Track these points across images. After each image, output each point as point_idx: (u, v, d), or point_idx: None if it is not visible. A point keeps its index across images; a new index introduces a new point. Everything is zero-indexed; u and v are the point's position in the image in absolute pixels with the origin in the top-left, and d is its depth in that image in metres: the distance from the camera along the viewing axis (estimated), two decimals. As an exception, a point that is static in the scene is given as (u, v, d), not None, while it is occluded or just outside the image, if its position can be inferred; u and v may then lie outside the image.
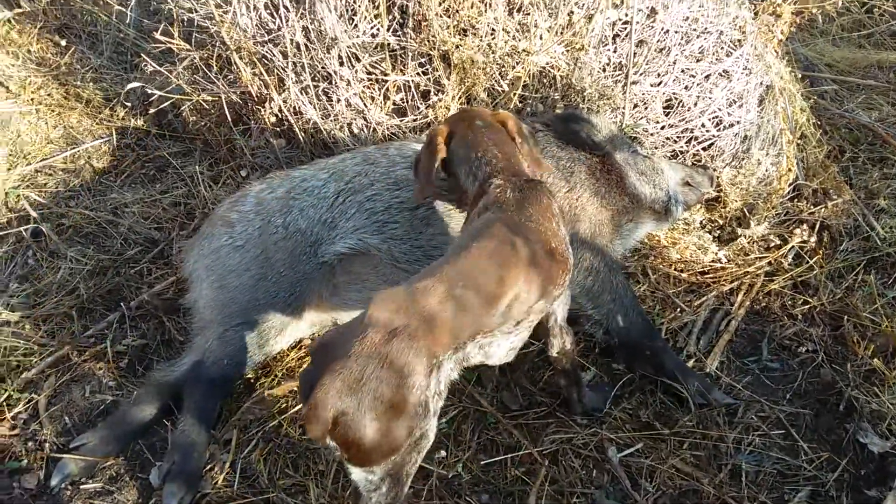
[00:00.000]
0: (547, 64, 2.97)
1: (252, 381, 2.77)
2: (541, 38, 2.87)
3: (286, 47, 3.11)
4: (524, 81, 2.97)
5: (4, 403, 2.67)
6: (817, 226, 3.34)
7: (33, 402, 2.70)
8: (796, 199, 3.48)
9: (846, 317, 2.98)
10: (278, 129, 3.38)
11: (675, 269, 3.21)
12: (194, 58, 3.27)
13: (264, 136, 3.42)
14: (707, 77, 3.21)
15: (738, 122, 3.28)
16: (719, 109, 3.25)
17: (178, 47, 3.24)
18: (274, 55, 3.16)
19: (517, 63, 2.99)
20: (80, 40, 4.54)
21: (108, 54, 4.41)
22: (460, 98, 3.07)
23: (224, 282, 2.68)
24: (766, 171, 3.34)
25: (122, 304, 3.05)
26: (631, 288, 2.88)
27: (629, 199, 2.96)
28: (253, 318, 2.63)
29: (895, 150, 4.03)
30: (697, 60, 3.19)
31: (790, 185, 3.45)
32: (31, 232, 3.36)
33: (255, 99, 3.31)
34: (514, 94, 2.98)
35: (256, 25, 3.17)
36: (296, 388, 2.67)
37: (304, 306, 2.70)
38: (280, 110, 3.26)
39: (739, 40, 3.25)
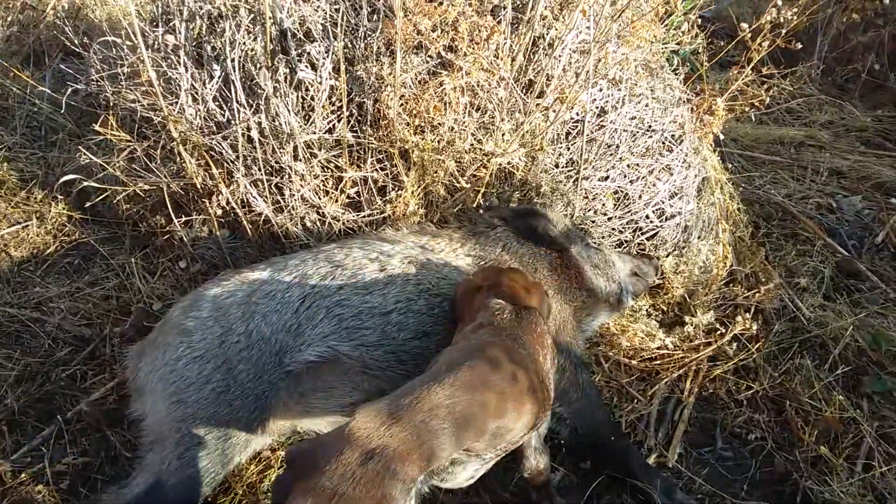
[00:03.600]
0: (507, 163, 3.00)
1: (209, 500, 2.61)
2: (503, 138, 2.90)
3: (236, 140, 3.01)
4: (486, 181, 2.98)
5: (-66, 542, 2.41)
6: (752, 310, 3.51)
7: (-34, 538, 2.45)
8: (731, 284, 3.65)
9: (787, 401, 3.11)
10: (223, 220, 3.26)
11: (625, 357, 3.28)
12: (135, 149, 3.11)
13: (207, 226, 3.28)
14: (651, 171, 3.33)
15: (679, 213, 3.42)
16: (662, 202, 3.37)
17: (118, 139, 3.08)
18: (223, 148, 3.05)
19: (475, 160, 3.01)
20: (-12, 115, 4.26)
21: (21, 131, 4.15)
22: (419, 195, 3.05)
23: (182, 396, 2.51)
24: (706, 258, 3.49)
25: (57, 416, 2.82)
26: (596, 385, 2.92)
27: (587, 293, 3.02)
28: (215, 434, 2.48)
29: (806, 227, 4.30)
30: (642, 156, 3.31)
31: (726, 270, 3.61)
32: (-53, 334, 3.08)
33: (200, 191, 3.17)
34: (479, 192, 2.99)
35: (204, 118, 3.05)
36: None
37: (269, 418, 2.57)
38: (227, 202, 3.13)
39: (679, 136, 3.40)
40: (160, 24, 3.11)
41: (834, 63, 6.13)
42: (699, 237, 3.50)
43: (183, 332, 2.61)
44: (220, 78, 3.01)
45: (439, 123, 2.96)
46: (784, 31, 3.32)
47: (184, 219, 3.28)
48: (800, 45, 3.45)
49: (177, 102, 3.01)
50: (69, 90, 3.29)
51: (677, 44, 3.75)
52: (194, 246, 3.33)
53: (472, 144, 2.96)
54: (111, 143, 3.21)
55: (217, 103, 3.06)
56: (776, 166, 5.06)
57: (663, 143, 3.35)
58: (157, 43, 3.03)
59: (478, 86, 2.89)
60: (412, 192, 3.03)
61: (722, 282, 3.62)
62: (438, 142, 2.96)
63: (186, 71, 3.00)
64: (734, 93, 3.51)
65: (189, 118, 3.02)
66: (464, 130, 2.95)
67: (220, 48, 3.00)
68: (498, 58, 2.87)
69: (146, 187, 3.25)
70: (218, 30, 3.07)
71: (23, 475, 2.64)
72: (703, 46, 3.87)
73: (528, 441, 2.29)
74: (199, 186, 3.16)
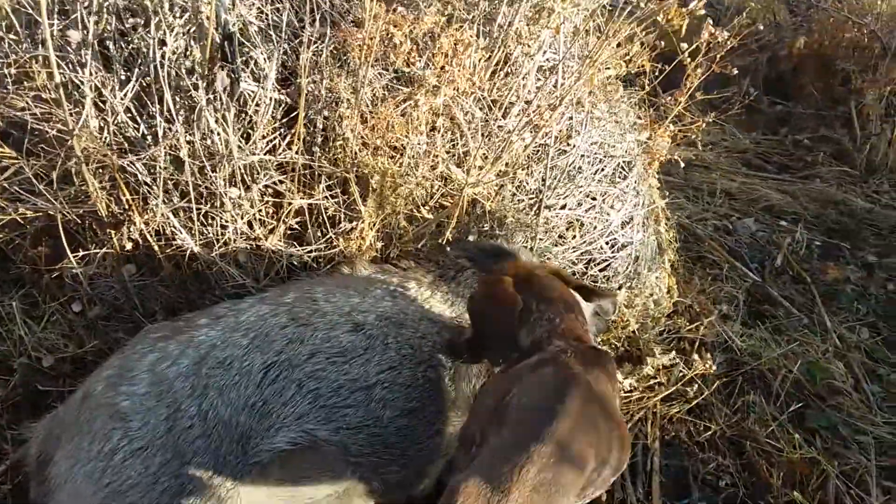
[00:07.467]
0: (477, 194, 2.69)
1: None
2: (478, 167, 2.59)
3: (154, 160, 2.48)
4: (455, 213, 2.65)
5: None
6: (697, 343, 3.42)
7: None
8: (673, 316, 3.54)
9: (747, 441, 3.03)
10: (130, 254, 2.70)
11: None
12: (23, 168, 2.48)
13: (108, 261, 2.71)
14: (605, 199, 3.15)
15: (630, 243, 3.26)
16: (615, 231, 3.20)
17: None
18: (136, 169, 2.51)
19: (440, 188, 2.68)
20: None
21: None
22: (377, 227, 2.67)
23: (122, 502, 1.97)
24: (657, 290, 3.35)
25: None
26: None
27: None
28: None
29: (711, 250, 4.33)
30: (599, 183, 3.12)
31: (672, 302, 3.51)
32: None
33: (102, 220, 2.60)
34: (449, 224, 2.64)
35: (113, 133, 2.50)
36: None
37: (232, 519, 2.07)
38: (141, 234, 2.59)
39: (630, 163, 3.24)
40: (54, 16, 2.51)
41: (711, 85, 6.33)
42: (648, 268, 3.36)
43: (115, 414, 2.03)
44: (136, 84, 2.47)
45: (401, 145, 2.60)
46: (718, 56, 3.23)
47: (80, 253, 2.68)
48: (735, 71, 3.39)
49: (79, 113, 2.42)
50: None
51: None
52: (92, 285, 2.73)
53: (441, 171, 2.62)
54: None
55: (129, 115, 2.51)
56: (670, 186, 5.07)
57: (617, 169, 3.18)
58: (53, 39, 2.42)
59: (453, 103, 2.55)
60: (371, 224, 2.64)
61: (664, 314, 3.51)
62: (400, 166, 2.60)
63: (92, 75, 2.43)
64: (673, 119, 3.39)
65: (96, 132, 2.44)
66: (430, 154, 2.60)
67: (136, 49, 2.47)
68: (474, 75, 2.55)
69: (29, 214, 2.62)
70: (127, 26, 2.52)
71: None
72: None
73: None
74: (102, 214, 2.58)
